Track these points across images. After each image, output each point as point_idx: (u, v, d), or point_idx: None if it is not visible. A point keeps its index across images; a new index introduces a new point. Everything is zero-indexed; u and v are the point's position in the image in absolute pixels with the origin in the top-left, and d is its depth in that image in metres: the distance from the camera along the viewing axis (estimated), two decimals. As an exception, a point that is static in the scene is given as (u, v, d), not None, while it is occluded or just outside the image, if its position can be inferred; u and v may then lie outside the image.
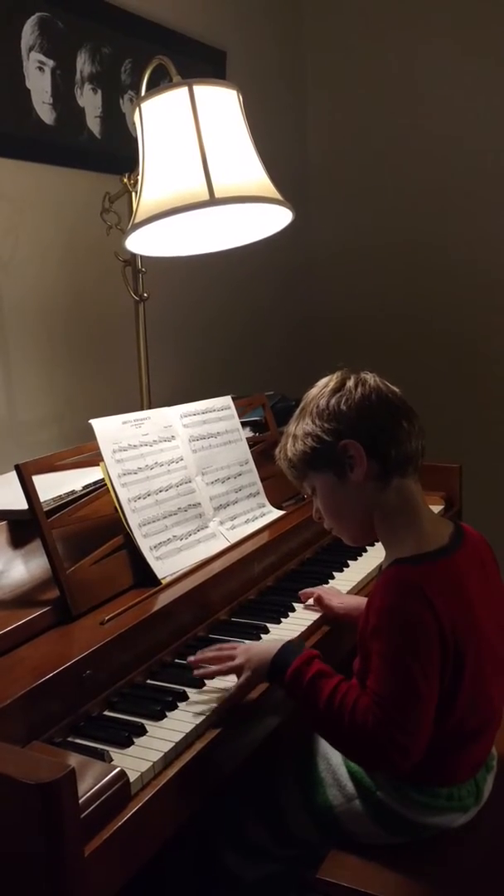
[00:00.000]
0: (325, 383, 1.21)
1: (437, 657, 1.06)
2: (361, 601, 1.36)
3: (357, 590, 1.57)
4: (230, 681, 1.20)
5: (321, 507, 1.24)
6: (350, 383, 1.18)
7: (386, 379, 1.22)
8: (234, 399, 1.79)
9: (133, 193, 1.71)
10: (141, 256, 1.79)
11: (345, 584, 1.57)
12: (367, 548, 1.75)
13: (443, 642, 1.06)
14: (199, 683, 1.20)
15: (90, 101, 2.08)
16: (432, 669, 1.06)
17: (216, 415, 1.72)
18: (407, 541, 1.15)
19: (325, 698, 1.08)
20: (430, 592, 1.07)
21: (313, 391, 1.22)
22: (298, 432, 1.21)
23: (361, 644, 1.16)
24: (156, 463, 1.52)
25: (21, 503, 1.30)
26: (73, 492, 1.46)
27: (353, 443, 1.16)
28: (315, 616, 1.43)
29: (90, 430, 1.44)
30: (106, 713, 1.15)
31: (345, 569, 1.66)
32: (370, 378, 1.19)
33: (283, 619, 1.42)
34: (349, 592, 1.54)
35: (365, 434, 1.16)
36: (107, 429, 1.46)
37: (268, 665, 1.16)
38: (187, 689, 1.18)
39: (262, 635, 1.36)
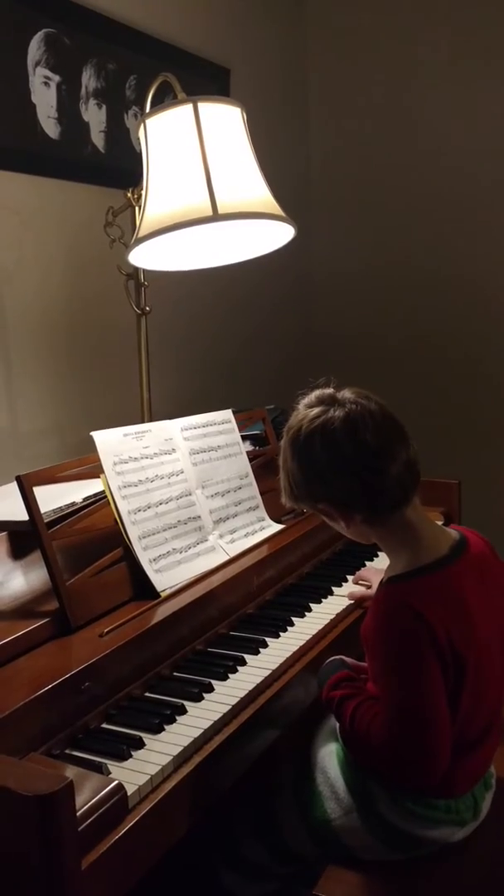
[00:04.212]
0: (293, 433, 1.15)
1: (435, 668, 1.07)
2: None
3: (355, 605, 1.57)
4: (229, 695, 1.21)
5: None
6: (317, 444, 1.12)
7: (382, 394, 1.17)
8: (234, 413, 1.80)
9: (136, 208, 1.72)
10: (143, 270, 1.80)
11: (344, 599, 1.57)
12: (367, 563, 1.76)
13: (439, 653, 1.07)
14: (197, 697, 1.20)
15: (95, 116, 2.10)
16: (433, 680, 1.07)
17: (217, 428, 1.73)
18: (402, 557, 1.16)
19: (347, 722, 1.16)
20: (421, 606, 1.07)
21: (287, 432, 1.17)
22: (282, 472, 1.19)
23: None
24: (156, 476, 1.52)
25: (22, 514, 1.30)
26: (73, 503, 1.47)
27: (326, 506, 1.16)
28: (314, 631, 1.43)
29: (91, 442, 1.44)
30: (104, 726, 1.14)
31: (343, 583, 1.66)
32: (334, 424, 1.12)
33: (282, 634, 1.42)
34: (347, 608, 1.54)
35: (338, 499, 1.15)
36: (108, 441, 1.47)
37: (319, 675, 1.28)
38: (186, 703, 1.18)
39: (261, 649, 1.36)
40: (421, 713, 1.07)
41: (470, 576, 1.15)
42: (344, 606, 1.54)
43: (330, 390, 1.17)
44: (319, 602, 1.56)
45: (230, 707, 1.18)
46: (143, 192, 1.61)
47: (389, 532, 1.17)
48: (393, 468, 1.11)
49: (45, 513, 1.33)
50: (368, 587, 1.59)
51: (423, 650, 1.06)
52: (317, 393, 1.18)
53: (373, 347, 3.05)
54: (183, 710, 1.16)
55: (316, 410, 1.14)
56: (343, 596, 1.60)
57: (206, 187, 1.50)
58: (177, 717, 1.15)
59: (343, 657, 1.29)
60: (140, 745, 1.08)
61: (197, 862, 1.37)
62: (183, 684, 1.25)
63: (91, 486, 1.51)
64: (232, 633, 1.43)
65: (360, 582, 1.64)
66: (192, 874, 1.39)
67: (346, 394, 1.15)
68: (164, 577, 1.43)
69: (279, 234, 1.67)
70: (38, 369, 2.00)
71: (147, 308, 1.84)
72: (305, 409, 1.16)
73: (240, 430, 1.79)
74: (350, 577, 1.69)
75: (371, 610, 1.15)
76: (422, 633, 1.06)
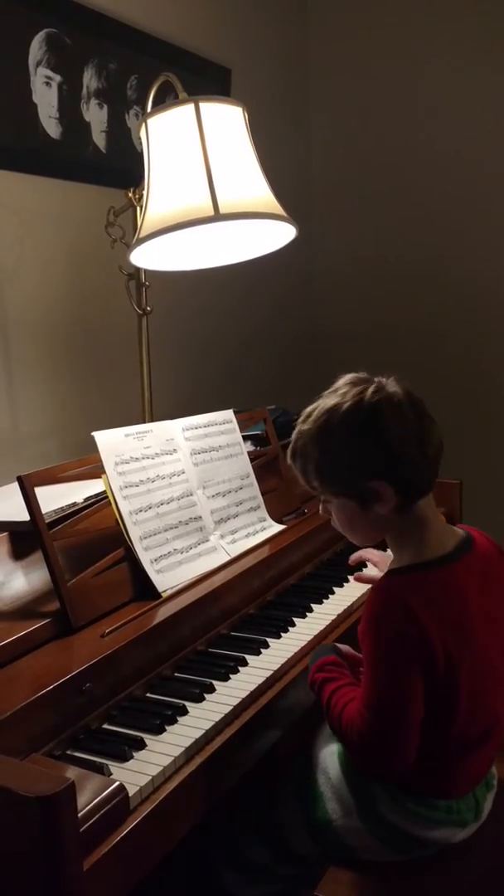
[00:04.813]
0: (352, 405, 1.11)
1: (419, 668, 1.07)
2: None
3: (357, 605, 1.56)
4: (230, 695, 1.21)
5: (336, 519, 1.19)
6: (385, 415, 1.10)
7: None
8: (235, 413, 1.80)
9: (138, 208, 1.72)
10: (145, 270, 1.80)
11: (345, 600, 1.57)
12: (368, 563, 1.76)
13: (429, 654, 1.07)
14: (198, 698, 1.20)
15: (96, 116, 2.10)
16: (413, 682, 1.06)
17: (218, 428, 1.73)
18: (407, 552, 1.16)
19: (325, 702, 1.17)
20: (416, 604, 1.07)
21: (338, 409, 1.12)
22: (320, 454, 1.13)
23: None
24: (157, 476, 1.52)
25: (23, 515, 1.30)
26: (74, 504, 1.46)
27: (382, 484, 1.11)
28: (315, 631, 1.43)
29: (92, 442, 1.44)
30: (105, 726, 1.14)
31: (345, 584, 1.66)
32: (398, 398, 1.11)
33: (283, 634, 1.42)
34: (348, 608, 1.54)
35: (392, 473, 1.11)
36: (109, 441, 1.46)
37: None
38: (187, 704, 1.18)
39: (262, 650, 1.36)
40: (394, 709, 1.07)
41: (473, 575, 1.15)
42: (345, 607, 1.54)
43: (365, 374, 1.16)
44: (321, 602, 1.56)
45: (231, 708, 1.17)
46: (145, 192, 1.61)
47: (406, 523, 1.15)
48: (432, 448, 1.13)
49: (47, 513, 1.33)
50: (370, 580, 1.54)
51: (410, 651, 1.06)
52: (357, 375, 1.16)
53: (374, 345, 3.04)
54: (184, 711, 1.16)
55: (373, 386, 1.12)
56: (345, 596, 1.60)
57: (207, 187, 1.50)
58: (178, 718, 1.15)
59: (337, 644, 1.30)
60: (141, 745, 1.08)
61: (199, 862, 1.36)
62: (184, 685, 1.24)
63: (92, 487, 1.51)
64: (233, 633, 1.43)
65: (367, 557, 1.56)
66: (194, 874, 1.39)
67: (387, 378, 1.15)
68: (166, 578, 1.43)
69: (281, 234, 1.67)
70: (39, 369, 2.00)
71: (148, 308, 1.84)
72: (352, 387, 1.13)
73: (241, 431, 1.79)
74: (351, 578, 1.68)
75: (368, 599, 1.14)
76: (413, 633, 1.06)
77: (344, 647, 1.29)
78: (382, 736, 1.08)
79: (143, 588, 1.41)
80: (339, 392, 1.14)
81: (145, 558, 1.42)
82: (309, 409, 1.17)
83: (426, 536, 1.15)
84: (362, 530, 1.19)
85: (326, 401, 1.14)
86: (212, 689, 1.23)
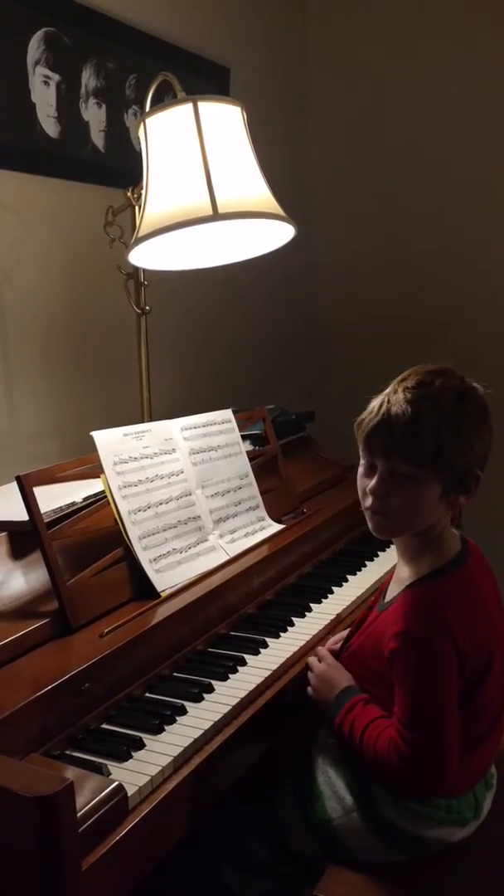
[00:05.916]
0: (482, 394, 1.15)
1: (455, 675, 1.08)
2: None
3: (356, 605, 1.57)
4: (229, 695, 1.20)
5: (402, 499, 1.12)
6: (491, 419, 1.15)
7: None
8: (234, 413, 1.80)
9: (136, 207, 1.72)
10: (143, 270, 1.80)
11: (344, 599, 1.57)
12: (367, 563, 1.76)
13: (462, 658, 1.08)
14: (197, 698, 1.20)
15: (94, 116, 2.09)
16: (451, 687, 1.07)
17: (217, 428, 1.73)
18: (427, 557, 1.16)
19: (357, 740, 1.14)
20: (448, 610, 1.08)
21: (477, 392, 1.16)
22: (460, 427, 1.11)
23: (371, 665, 1.18)
24: (156, 475, 1.52)
25: (22, 514, 1.30)
26: (73, 503, 1.46)
27: (480, 476, 1.14)
28: (314, 631, 1.43)
29: (91, 442, 1.44)
30: (104, 726, 1.14)
31: (344, 583, 1.66)
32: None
33: (282, 634, 1.42)
34: (348, 607, 1.55)
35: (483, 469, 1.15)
36: (108, 441, 1.46)
37: (330, 707, 1.22)
38: (186, 703, 1.18)
39: (262, 650, 1.36)
40: (437, 719, 1.07)
41: (479, 572, 1.17)
42: (345, 606, 1.54)
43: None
44: (320, 602, 1.56)
45: (230, 707, 1.18)
46: (143, 192, 1.61)
47: (444, 520, 1.17)
48: None
49: (45, 513, 1.33)
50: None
51: (447, 658, 1.07)
52: (465, 382, 1.17)
53: (373, 343, 3.03)
54: (183, 711, 1.16)
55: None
56: (344, 595, 1.60)
57: (205, 186, 1.50)
58: (177, 718, 1.15)
59: (348, 685, 1.25)
60: (140, 745, 1.08)
61: (199, 858, 1.36)
62: (183, 685, 1.24)
63: (91, 486, 1.51)
64: (232, 633, 1.43)
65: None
66: (194, 870, 1.39)
67: None
68: (165, 577, 1.43)
69: (279, 234, 1.67)
70: (38, 369, 1.99)
71: (147, 307, 1.83)
72: (448, 377, 1.16)
73: (240, 430, 1.79)
74: (350, 577, 1.68)
75: (397, 613, 1.13)
76: (448, 644, 1.07)
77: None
78: (433, 753, 1.07)
79: (142, 588, 1.41)
80: (455, 375, 1.16)
81: (144, 558, 1.42)
82: (420, 376, 1.15)
83: (444, 538, 1.17)
84: (420, 516, 1.14)
85: (450, 379, 1.15)
86: (211, 689, 1.23)
